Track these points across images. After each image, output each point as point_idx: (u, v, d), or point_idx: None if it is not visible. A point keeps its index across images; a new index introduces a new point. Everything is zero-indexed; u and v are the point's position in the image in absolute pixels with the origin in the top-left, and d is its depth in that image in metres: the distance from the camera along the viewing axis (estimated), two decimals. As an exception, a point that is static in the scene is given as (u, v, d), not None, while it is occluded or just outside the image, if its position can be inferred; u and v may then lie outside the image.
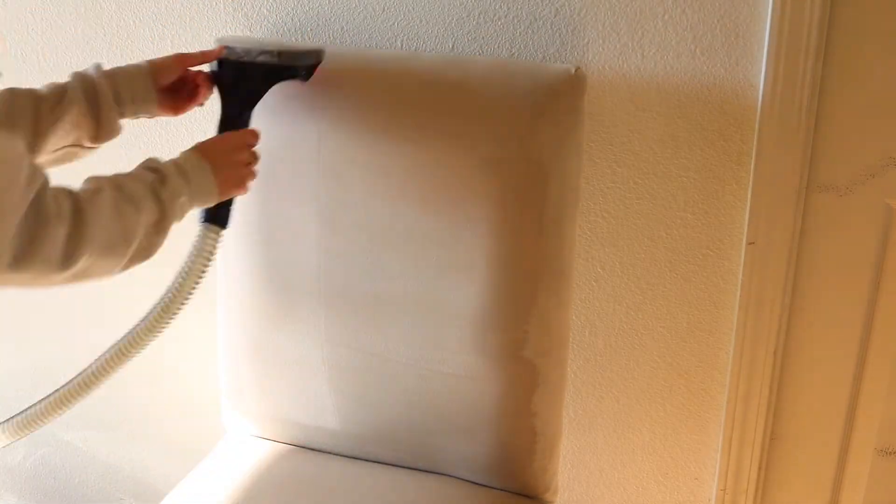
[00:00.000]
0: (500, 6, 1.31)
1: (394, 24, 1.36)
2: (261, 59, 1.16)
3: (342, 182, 1.25)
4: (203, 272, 1.14)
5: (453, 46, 1.35)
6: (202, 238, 1.14)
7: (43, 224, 0.90)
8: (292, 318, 1.34)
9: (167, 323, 1.14)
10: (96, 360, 1.16)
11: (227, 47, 1.17)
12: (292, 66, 1.19)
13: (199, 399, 1.73)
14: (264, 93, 1.18)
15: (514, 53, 1.33)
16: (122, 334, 1.15)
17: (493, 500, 1.33)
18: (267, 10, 1.41)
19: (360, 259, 1.27)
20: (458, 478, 1.36)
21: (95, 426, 1.86)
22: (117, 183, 1.00)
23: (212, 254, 1.14)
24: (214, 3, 1.43)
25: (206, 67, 1.19)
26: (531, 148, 1.18)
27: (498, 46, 1.33)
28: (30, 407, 1.19)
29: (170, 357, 1.72)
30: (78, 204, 0.94)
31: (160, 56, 1.17)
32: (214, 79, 1.18)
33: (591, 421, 1.54)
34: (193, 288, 1.14)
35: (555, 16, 1.29)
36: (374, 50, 1.37)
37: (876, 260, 1.34)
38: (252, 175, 1.15)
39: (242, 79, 1.17)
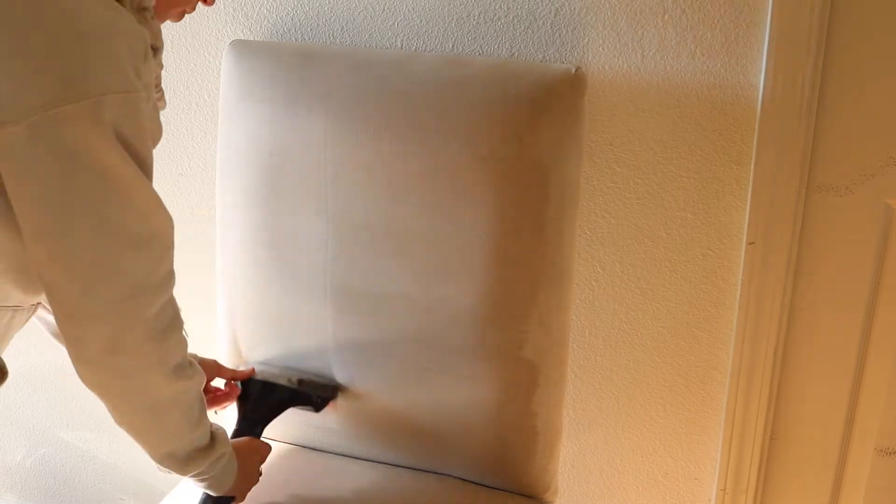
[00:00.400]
0: (500, 6, 1.31)
1: (394, 24, 1.36)
2: (284, 383, 1.32)
3: (343, 182, 1.25)
4: None
5: (453, 46, 1.35)
6: None
7: (177, 321, 0.97)
8: (293, 318, 1.34)
9: None
10: None
11: (254, 371, 1.34)
12: (309, 395, 1.33)
13: (199, 399, 1.73)
14: (278, 414, 1.32)
15: (514, 53, 1.33)
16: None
17: (493, 500, 1.33)
18: (267, 10, 1.41)
19: (362, 259, 1.27)
20: (458, 478, 1.36)
21: (95, 426, 1.86)
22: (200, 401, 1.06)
23: None
24: (215, 3, 1.43)
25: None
26: (531, 148, 1.18)
27: (498, 46, 1.33)
28: None
29: (170, 357, 1.72)
30: (188, 357, 1.02)
31: (201, 359, 1.25)
32: (241, 392, 1.32)
33: (591, 421, 1.54)
34: None
35: (555, 16, 1.29)
36: (374, 50, 1.37)
37: (876, 260, 1.34)
38: (257, 481, 1.22)
39: (263, 398, 1.32)
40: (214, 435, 1.09)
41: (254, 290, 1.36)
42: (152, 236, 0.91)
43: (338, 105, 1.24)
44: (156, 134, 0.98)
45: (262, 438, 1.29)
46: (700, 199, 1.35)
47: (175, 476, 1.35)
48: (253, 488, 1.33)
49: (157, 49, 0.97)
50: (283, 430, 1.43)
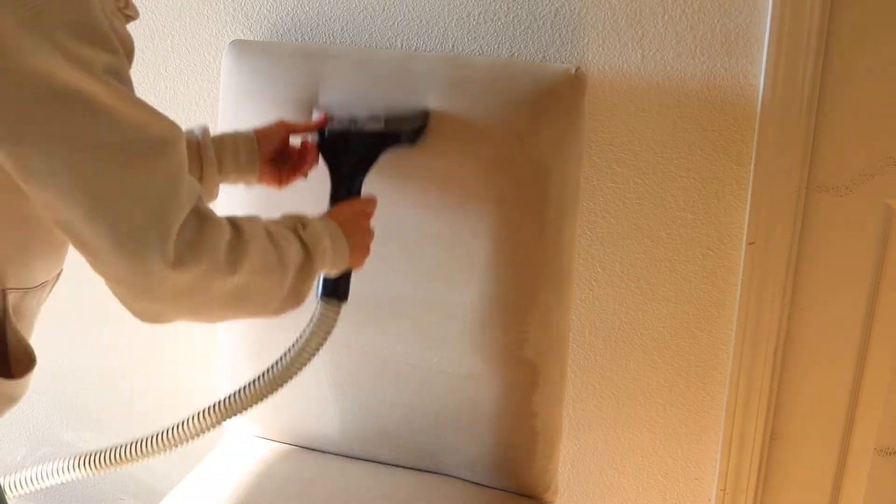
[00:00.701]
0: (500, 6, 1.31)
1: (394, 24, 1.36)
2: (366, 127, 1.14)
3: (342, 182, 1.25)
4: (320, 347, 1.12)
5: (453, 46, 1.35)
6: (323, 312, 1.11)
7: (206, 224, 0.85)
8: (292, 318, 1.34)
9: (273, 393, 1.12)
10: (190, 416, 1.16)
11: (329, 116, 1.17)
12: (398, 131, 1.17)
13: (198, 399, 1.73)
14: (374, 160, 1.16)
15: (514, 53, 1.33)
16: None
17: (493, 500, 1.33)
18: (267, 10, 1.41)
19: (360, 259, 1.27)
20: (458, 478, 1.36)
21: (95, 426, 1.86)
22: (264, 220, 0.98)
23: (332, 328, 1.12)
24: (214, 3, 1.43)
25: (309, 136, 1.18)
26: (531, 148, 1.18)
27: (498, 46, 1.33)
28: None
29: (170, 357, 1.72)
30: (234, 219, 0.92)
31: (263, 124, 1.16)
32: (320, 149, 1.16)
33: (591, 421, 1.54)
34: (308, 362, 1.12)
35: (555, 16, 1.29)
36: (374, 50, 1.37)
37: (876, 260, 1.34)
38: (370, 244, 1.12)
39: (349, 149, 1.15)
40: (306, 243, 0.98)
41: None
42: (157, 144, 0.81)
43: (337, 105, 1.24)
44: (126, 42, 0.87)
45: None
46: (700, 199, 1.35)
47: (176, 472, 1.35)
48: (253, 488, 1.33)
49: None
50: (284, 430, 1.43)
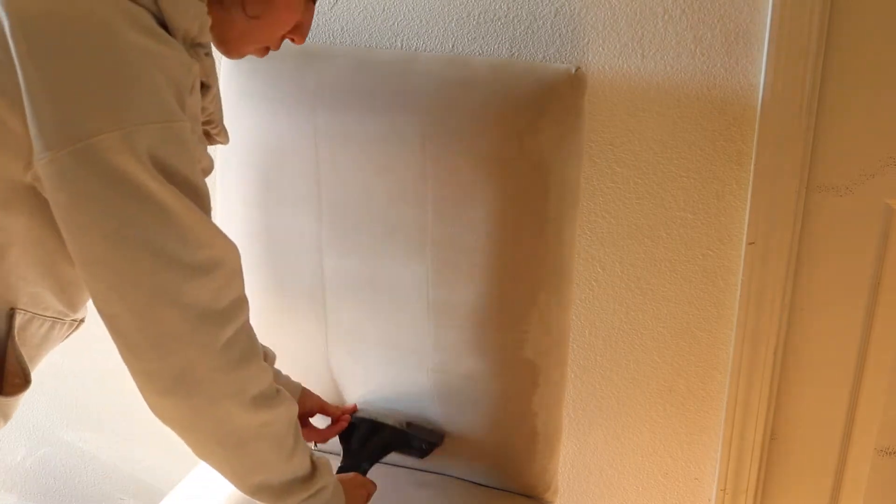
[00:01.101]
0: (500, 6, 1.31)
1: (394, 24, 1.36)
2: (389, 421, 1.29)
3: (342, 182, 1.25)
4: None
5: (453, 46, 1.35)
6: None
7: (253, 349, 0.94)
8: (293, 319, 1.34)
9: None
10: None
11: (358, 408, 1.33)
12: (415, 438, 1.30)
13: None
14: (385, 454, 1.29)
15: (514, 53, 1.33)
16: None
17: (493, 500, 1.33)
18: (267, 10, 1.41)
19: (361, 260, 1.27)
20: (459, 478, 1.36)
21: (95, 426, 1.86)
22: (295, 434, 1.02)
23: None
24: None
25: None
26: (531, 148, 1.18)
27: (498, 46, 1.33)
28: None
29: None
30: (278, 384, 0.99)
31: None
32: (347, 429, 1.29)
33: (591, 421, 1.54)
34: None
35: (555, 16, 1.29)
36: (374, 50, 1.37)
37: (876, 260, 1.34)
38: None
39: (370, 434, 1.28)
40: (316, 464, 1.04)
41: (251, 290, 1.36)
42: (212, 264, 0.87)
43: (338, 105, 1.24)
44: (206, 165, 0.97)
45: None
46: (700, 199, 1.35)
47: (176, 472, 1.35)
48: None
49: (207, 86, 0.96)
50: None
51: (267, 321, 1.36)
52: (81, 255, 0.85)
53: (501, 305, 1.24)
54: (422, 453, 1.30)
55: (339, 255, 1.28)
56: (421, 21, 1.35)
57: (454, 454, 1.34)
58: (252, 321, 1.37)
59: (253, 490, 0.99)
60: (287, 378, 1.26)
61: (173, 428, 0.93)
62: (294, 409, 1.01)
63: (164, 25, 0.85)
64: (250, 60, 1.30)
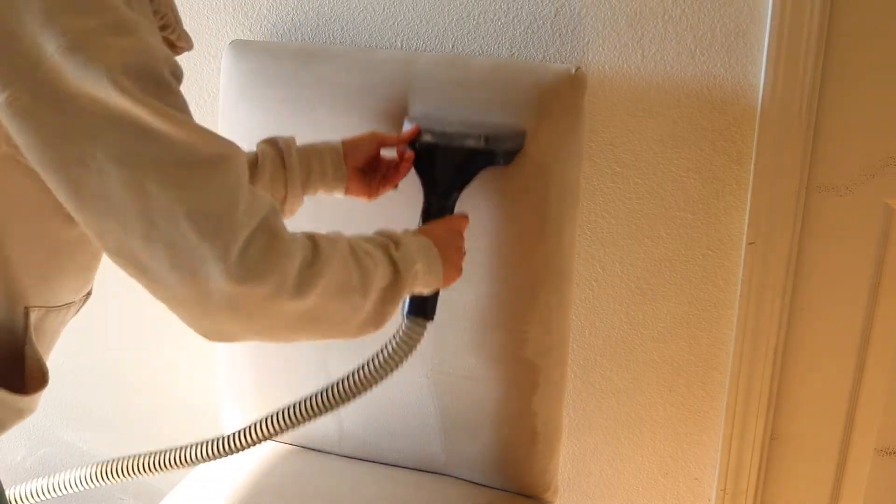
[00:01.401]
0: (500, 6, 1.31)
1: (394, 24, 1.36)
2: (465, 144, 1.11)
3: (342, 182, 1.25)
4: (401, 365, 1.09)
5: (453, 46, 1.35)
6: (407, 331, 1.09)
7: (276, 243, 0.82)
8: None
9: (347, 402, 1.10)
10: (246, 428, 1.13)
11: (422, 128, 1.14)
12: (496, 150, 1.13)
13: (198, 399, 1.73)
14: (470, 178, 1.13)
15: (514, 53, 1.33)
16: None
17: (493, 500, 1.33)
18: (267, 10, 1.41)
19: (360, 259, 1.27)
20: (458, 478, 1.36)
21: (95, 426, 1.86)
22: (350, 238, 0.95)
23: (416, 346, 1.09)
24: (214, 3, 1.43)
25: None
26: (531, 148, 1.18)
27: (498, 46, 1.33)
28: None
29: (170, 357, 1.72)
30: (315, 238, 0.89)
31: (354, 135, 1.15)
32: (415, 163, 1.13)
33: (591, 421, 1.54)
34: (386, 377, 1.09)
35: (555, 16, 1.29)
36: (374, 50, 1.37)
37: (876, 260, 1.34)
38: (462, 264, 1.10)
39: (445, 164, 1.12)
40: (396, 264, 0.96)
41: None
42: (209, 161, 0.79)
43: (338, 105, 1.24)
44: (175, 68, 0.85)
45: None
46: (700, 199, 1.35)
47: (175, 475, 1.35)
48: (253, 488, 1.33)
49: None
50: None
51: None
52: (73, 198, 0.77)
53: (501, 305, 1.24)
54: (507, 162, 1.15)
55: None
56: (421, 21, 1.35)
57: (454, 454, 1.34)
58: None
59: (357, 331, 0.94)
60: (318, 149, 1.13)
61: (235, 341, 0.87)
62: (342, 241, 0.92)
63: None
64: (250, 60, 1.30)
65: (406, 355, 1.09)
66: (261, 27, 1.42)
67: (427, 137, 1.14)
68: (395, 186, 1.18)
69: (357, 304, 0.92)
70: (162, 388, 1.76)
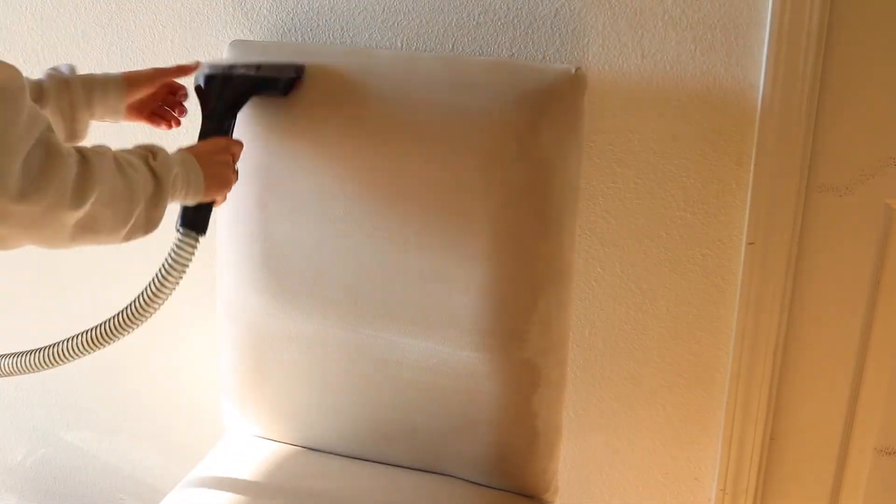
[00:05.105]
0: (500, 6, 1.31)
1: (394, 24, 1.36)
2: (239, 71, 1.22)
3: (342, 182, 1.25)
4: (177, 281, 1.12)
5: (453, 46, 1.35)
6: (179, 245, 1.13)
7: (52, 157, 0.88)
8: (292, 319, 1.34)
9: (132, 328, 1.13)
10: (56, 343, 1.14)
11: (202, 63, 1.24)
12: (270, 78, 1.23)
13: (199, 399, 1.73)
14: (242, 104, 1.23)
15: (514, 53, 1.33)
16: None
17: (493, 500, 1.33)
18: (267, 10, 1.41)
19: (360, 260, 1.27)
20: (458, 478, 1.36)
21: (95, 426, 1.86)
22: (115, 151, 1.00)
23: (188, 262, 1.13)
24: (214, 3, 1.43)
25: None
26: (531, 148, 1.18)
27: (498, 46, 1.33)
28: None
29: (170, 357, 1.72)
30: (83, 151, 0.94)
31: (136, 70, 1.21)
32: (196, 91, 1.22)
33: (591, 421, 1.54)
34: (166, 296, 1.12)
35: (555, 16, 1.29)
36: (374, 50, 1.37)
37: (876, 260, 1.34)
38: (234, 180, 1.17)
39: (220, 92, 1.22)
40: (155, 171, 1.02)
41: (249, 292, 1.36)
42: None
43: (338, 105, 1.24)
44: None
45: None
46: (700, 199, 1.35)
47: (176, 472, 1.35)
48: (253, 488, 1.33)
49: None
50: (284, 430, 1.43)
51: (264, 321, 1.36)
52: None
53: (501, 305, 1.24)
54: (285, 89, 1.24)
55: (338, 255, 1.28)
56: (421, 21, 1.35)
57: (454, 454, 1.34)
58: (249, 320, 1.37)
59: (125, 238, 1.01)
60: (98, 77, 1.18)
61: (8, 248, 0.92)
62: (107, 153, 0.97)
63: None
64: (250, 60, 1.30)
65: (181, 270, 1.12)
66: (261, 27, 1.42)
67: (205, 70, 1.23)
68: (178, 123, 1.26)
69: (126, 212, 0.98)
70: (162, 388, 1.76)
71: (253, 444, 1.44)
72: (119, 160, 0.99)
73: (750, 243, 1.34)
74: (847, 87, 1.26)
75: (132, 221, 0.99)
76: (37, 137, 0.88)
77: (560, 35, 1.30)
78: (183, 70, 1.24)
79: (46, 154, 0.88)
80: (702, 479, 1.54)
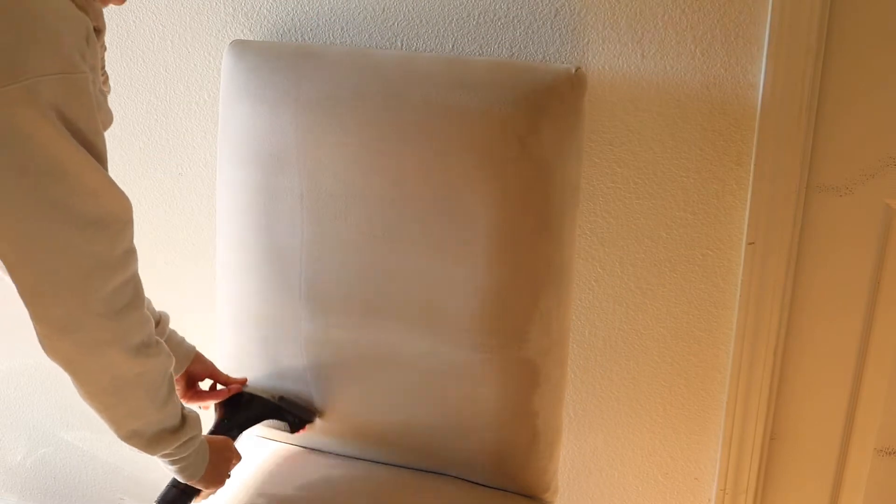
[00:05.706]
0: (500, 6, 1.31)
1: (394, 24, 1.36)
2: (265, 396, 1.35)
3: (343, 182, 1.25)
4: None
5: (453, 46, 1.35)
6: None
7: (138, 300, 0.99)
8: (293, 321, 1.34)
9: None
10: None
11: (244, 385, 1.37)
12: (287, 412, 1.36)
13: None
14: (257, 422, 1.35)
15: (514, 53, 1.33)
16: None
17: (493, 500, 1.33)
18: (267, 10, 1.41)
19: (360, 260, 1.27)
20: (458, 478, 1.36)
21: (95, 426, 1.86)
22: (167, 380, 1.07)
23: None
24: (214, 3, 1.43)
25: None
26: (531, 148, 1.18)
27: (498, 46, 1.33)
28: None
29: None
30: (157, 337, 1.04)
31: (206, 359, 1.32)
32: (225, 400, 1.34)
33: (591, 421, 1.54)
34: None
35: (555, 16, 1.29)
36: (374, 50, 1.37)
37: (876, 260, 1.34)
38: (224, 482, 1.22)
39: (245, 404, 1.34)
40: (186, 418, 1.10)
41: (249, 293, 1.36)
42: (105, 217, 0.93)
43: (338, 105, 1.24)
44: (105, 118, 0.99)
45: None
46: (700, 199, 1.35)
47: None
48: (253, 488, 1.33)
49: (99, 31, 0.98)
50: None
51: (265, 323, 1.36)
52: None
53: (501, 305, 1.24)
54: (293, 427, 1.36)
55: (339, 256, 1.28)
56: (421, 21, 1.35)
57: (454, 454, 1.34)
58: (249, 322, 1.37)
59: (128, 435, 1.05)
60: (182, 339, 1.29)
61: (62, 367, 0.97)
62: (170, 363, 1.06)
63: None
64: (250, 60, 1.30)
65: None
66: (261, 27, 1.42)
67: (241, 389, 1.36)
68: (207, 408, 1.35)
69: (153, 410, 1.05)
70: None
71: (254, 444, 1.44)
72: (168, 376, 1.06)
73: (750, 243, 1.34)
74: (847, 88, 1.26)
75: (141, 424, 1.05)
76: (129, 276, 0.97)
77: (560, 35, 1.30)
78: (233, 381, 1.35)
79: (135, 293, 0.98)
80: (702, 479, 1.54)
